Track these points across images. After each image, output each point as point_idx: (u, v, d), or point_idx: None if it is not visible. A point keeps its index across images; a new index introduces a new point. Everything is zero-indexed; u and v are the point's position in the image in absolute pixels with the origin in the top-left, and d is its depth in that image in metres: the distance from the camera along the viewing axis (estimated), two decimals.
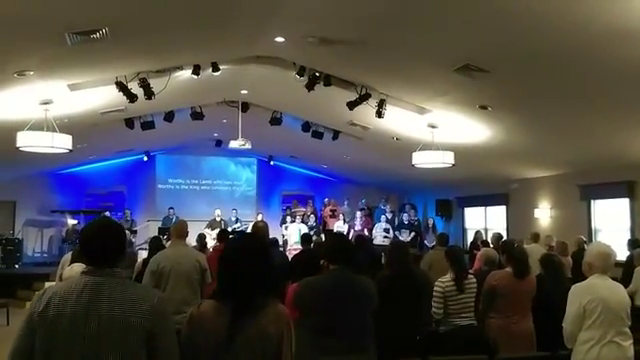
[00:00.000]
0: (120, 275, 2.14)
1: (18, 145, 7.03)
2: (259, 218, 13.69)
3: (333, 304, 3.08)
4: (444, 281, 4.52)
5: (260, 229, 5.14)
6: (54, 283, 6.44)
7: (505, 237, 10.15)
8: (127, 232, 12.38)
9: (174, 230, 5.09)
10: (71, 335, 1.98)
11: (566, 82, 6.18)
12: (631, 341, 3.34)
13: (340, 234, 7.04)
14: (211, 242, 10.96)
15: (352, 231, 13.96)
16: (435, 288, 4.50)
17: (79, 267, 3.55)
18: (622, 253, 7.65)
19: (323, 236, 13.88)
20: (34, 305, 2.05)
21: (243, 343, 2.09)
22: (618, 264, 5.07)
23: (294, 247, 11.94)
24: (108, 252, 2.14)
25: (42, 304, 2.02)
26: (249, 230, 13.38)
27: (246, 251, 2.25)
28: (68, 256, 5.29)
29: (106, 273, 2.09)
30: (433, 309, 4.49)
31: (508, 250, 5.02)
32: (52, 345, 1.98)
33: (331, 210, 14.91)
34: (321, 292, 3.12)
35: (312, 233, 13.27)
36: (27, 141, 7.05)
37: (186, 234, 5.02)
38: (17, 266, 12.30)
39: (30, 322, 2.02)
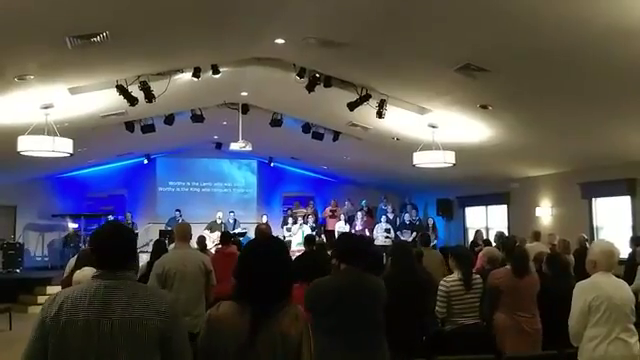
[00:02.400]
0: (132, 278, 2.15)
1: (19, 149, 7.04)
2: (263, 220, 13.71)
3: (346, 304, 3.09)
4: (449, 280, 4.53)
5: (263, 232, 5.13)
6: (56, 287, 6.43)
7: (507, 236, 10.15)
8: None
9: (177, 233, 5.08)
10: (84, 339, 1.97)
11: (566, 81, 6.19)
12: (637, 337, 3.34)
13: (350, 234, 7.06)
14: (210, 244, 10.96)
15: (353, 231, 13.96)
16: (439, 287, 4.51)
17: (90, 270, 3.56)
18: (624, 251, 7.65)
19: (323, 237, 13.91)
20: (46, 310, 2.03)
21: (264, 344, 2.09)
22: (620, 262, 5.06)
23: (297, 249, 11.93)
24: (120, 256, 2.14)
25: (54, 309, 2.02)
26: (252, 232, 13.47)
27: (266, 253, 2.25)
28: (72, 261, 5.28)
29: (118, 276, 2.09)
30: (437, 308, 4.50)
31: (508, 249, 5.03)
32: (65, 349, 1.98)
33: (331, 210, 14.92)
34: (334, 292, 3.13)
35: (314, 234, 13.28)
36: (28, 145, 7.05)
37: (190, 236, 5.02)
38: (18, 271, 12.28)
39: (42, 327, 2.01)
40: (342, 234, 4.46)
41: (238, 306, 2.16)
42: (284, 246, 2.43)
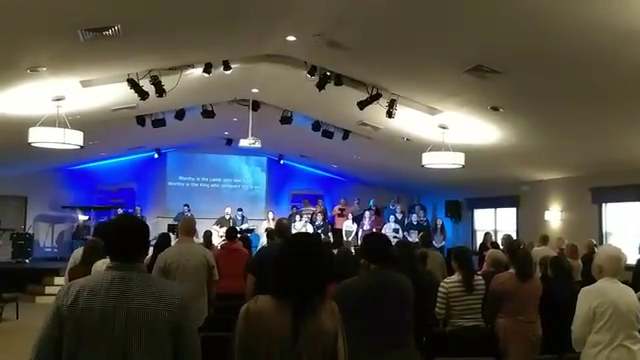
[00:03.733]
0: (144, 270, 2.21)
1: (30, 141, 7.10)
2: (269, 217, 13.73)
3: (376, 303, 3.11)
4: (449, 282, 4.52)
5: (284, 226, 5.20)
6: (63, 278, 6.48)
7: (515, 239, 10.10)
8: None
9: (181, 227, 5.11)
10: (100, 328, 2.02)
11: (579, 84, 6.13)
12: None
13: (379, 234, 7.07)
14: (217, 239, 11.00)
15: (360, 231, 13.96)
16: (439, 289, 4.50)
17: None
18: (633, 257, 7.57)
19: (330, 235, 13.91)
20: (61, 299, 2.07)
21: (305, 340, 2.15)
22: (628, 268, 5.02)
23: None
24: (134, 247, 2.19)
25: (70, 297, 2.06)
26: (260, 228, 13.54)
27: (309, 249, 2.32)
28: (79, 251, 5.31)
29: (132, 268, 2.14)
30: (436, 309, 4.49)
31: (512, 252, 5.00)
32: (81, 337, 2.02)
33: (340, 209, 14.93)
34: (363, 293, 3.15)
35: (320, 232, 13.29)
36: (39, 137, 7.11)
37: (194, 231, 5.04)
38: (27, 261, 12.41)
39: (57, 315, 2.05)
40: (370, 234, 4.55)
41: (278, 302, 2.20)
42: (322, 243, 2.48)
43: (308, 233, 5.03)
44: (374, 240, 3.60)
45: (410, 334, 3.24)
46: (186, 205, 14.18)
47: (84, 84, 7.06)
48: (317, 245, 2.39)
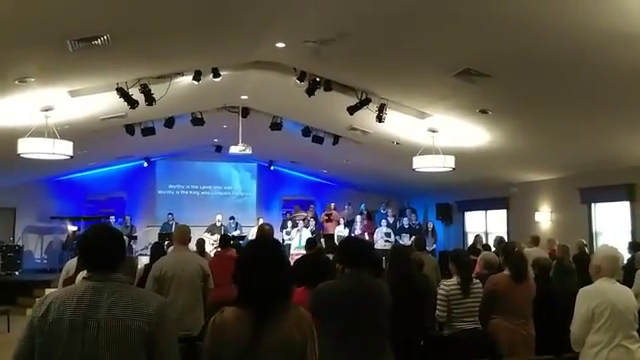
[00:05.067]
0: (121, 280, 2.15)
1: (19, 152, 7.04)
2: (260, 223, 13.68)
3: (351, 308, 3.10)
4: (448, 284, 4.53)
5: (266, 232, 5.14)
6: (55, 290, 6.43)
7: (507, 240, 10.16)
8: (126, 238, 12.44)
9: (176, 236, 5.08)
10: (70, 339, 1.98)
11: (566, 86, 6.20)
12: (639, 344, 3.33)
13: (354, 237, 7.07)
14: (209, 247, 10.96)
15: (352, 235, 13.96)
16: (439, 291, 4.51)
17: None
18: (623, 256, 7.65)
19: (322, 241, 13.90)
20: (35, 310, 2.06)
21: (267, 349, 2.08)
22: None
23: (295, 252, 11.94)
24: (108, 257, 2.14)
25: (42, 309, 2.03)
26: (252, 235, 13.47)
27: (264, 256, 2.24)
28: (73, 262, 5.26)
29: (107, 278, 2.10)
30: (437, 312, 4.50)
31: (507, 254, 5.03)
32: (51, 349, 1.99)
33: (326, 215, 14.88)
34: (338, 296, 3.13)
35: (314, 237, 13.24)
36: (28, 148, 7.05)
37: (188, 240, 5.01)
38: (17, 273, 12.27)
39: (30, 327, 2.03)
40: (346, 238, 4.44)
41: (240, 311, 2.15)
42: (281, 247, 2.43)
43: (266, 238, 4.95)
44: (349, 244, 3.61)
45: (385, 338, 3.23)
46: (170, 214, 14.09)
47: (73, 94, 7.03)
48: (275, 250, 2.31)
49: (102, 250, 2.14)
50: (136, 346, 2.01)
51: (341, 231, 14.20)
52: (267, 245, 2.45)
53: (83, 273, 3.74)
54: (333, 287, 3.23)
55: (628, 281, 6.53)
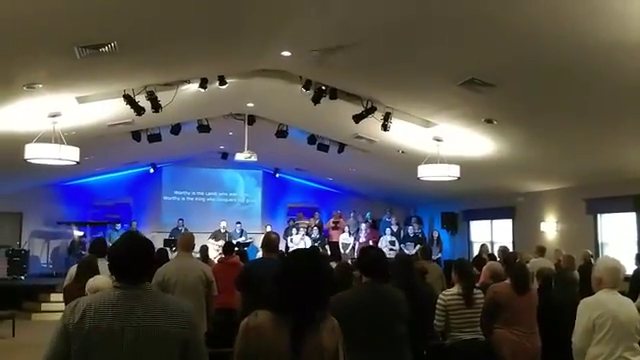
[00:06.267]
0: (150, 288, 2.22)
1: (26, 157, 7.09)
2: (267, 230, 13.71)
3: (368, 317, 3.12)
4: (448, 294, 4.51)
5: (272, 240, 5.14)
6: (59, 295, 6.44)
7: (512, 251, 10.13)
8: None
9: (180, 242, 5.10)
10: (108, 347, 2.03)
11: (572, 96, 6.19)
12: None
13: (374, 247, 7.07)
14: (214, 253, 10.97)
15: (357, 243, 13.95)
16: (438, 301, 4.49)
17: (103, 278, 3.62)
18: (629, 267, 7.59)
19: (327, 249, 13.90)
20: (67, 317, 2.07)
21: (305, 356, 2.12)
22: (625, 278, 5.03)
23: None
24: (138, 266, 2.19)
25: (77, 316, 2.06)
26: (257, 242, 13.48)
27: (307, 264, 2.28)
28: (74, 269, 5.29)
29: (138, 286, 2.15)
30: (434, 322, 4.48)
31: (508, 264, 5.01)
32: (89, 356, 2.02)
33: (334, 222, 14.91)
34: (356, 306, 3.16)
35: (317, 245, 13.26)
36: (35, 153, 7.11)
37: (192, 246, 5.03)
38: (23, 277, 12.32)
39: (65, 333, 2.05)
40: (366, 247, 4.47)
41: (277, 317, 2.17)
42: (322, 259, 2.46)
43: (308, 248, 4.98)
44: (370, 253, 3.62)
45: (406, 347, 3.25)
46: (181, 219, 14.15)
47: (80, 100, 7.08)
48: (317, 259, 2.37)
49: (133, 259, 2.17)
50: (171, 350, 2.07)
51: (346, 239, 14.19)
52: (315, 254, 2.53)
53: (97, 278, 3.78)
54: (350, 297, 3.25)
55: (634, 292, 6.49)
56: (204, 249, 8.54)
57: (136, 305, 2.09)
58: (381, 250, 4.14)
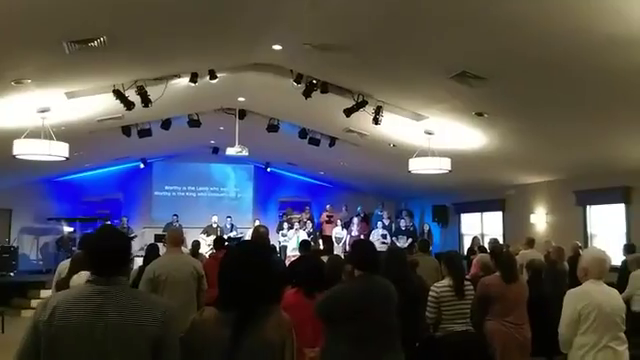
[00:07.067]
0: (125, 283, 2.15)
1: (15, 153, 7.04)
2: (256, 224, 13.71)
3: (363, 310, 3.14)
4: (439, 286, 4.54)
5: (261, 234, 5.14)
6: (50, 291, 6.42)
7: (501, 243, 10.22)
8: None
9: (169, 238, 5.08)
10: (77, 344, 1.97)
11: (562, 89, 6.23)
12: (626, 346, 3.36)
13: (366, 241, 7.12)
14: (205, 248, 10.96)
15: (349, 237, 14.00)
16: (430, 293, 4.52)
17: (87, 275, 3.58)
18: (617, 258, 7.68)
19: (320, 242, 13.94)
20: (38, 314, 2.03)
21: (246, 352, 2.08)
22: (613, 269, 5.09)
23: (292, 254, 11.96)
24: (114, 261, 2.12)
25: (47, 313, 2.01)
26: (248, 236, 13.47)
27: (247, 260, 2.22)
28: (66, 263, 5.27)
29: (112, 281, 2.08)
30: (427, 314, 4.52)
31: (496, 255, 5.06)
32: (58, 353, 1.97)
33: (327, 216, 14.97)
34: (350, 300, 3.18)
35: (310, 239, 13.28)
36: (24, 149, 7.06)
37: (182, 241, 5.02)
38: (12, 274, 12.25)
39: (35, 330, 2.01)
40: (358, 241, 4.45)
41: (221, 313, 2.15)
42: (266, 252, 2.41)
43: (253, 242, 4.93)
44: (363, 247, 3.64)
45: (398, 337, 3.29)
46: (175, 215, 14.08)
47: (69, 95, 7.03)
48: (260, 254, 2.29)
49: (108, 253, 2.11)
50: (144, 349, 2.00)
51: (338, 232, 14.24)
52: (253, 247, 2.45)
53: (81, 274, 3.75)
54: (344, 291, 3.26)
55: (622, 284, 6.57)
56: (195, 244, 8.53)
57: (107, 301, 2.02)
58: (372, 243, 4.16)
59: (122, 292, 2.08)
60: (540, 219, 11.25)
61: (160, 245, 8.39)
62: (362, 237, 13.87)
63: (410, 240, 13.58)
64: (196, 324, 2.16)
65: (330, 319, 3.19)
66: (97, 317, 1.99)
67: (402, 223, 14.04)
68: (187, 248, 8.39)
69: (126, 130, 9.80)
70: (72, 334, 1.97)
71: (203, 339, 2.12)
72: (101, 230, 2.27)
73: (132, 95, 7.34)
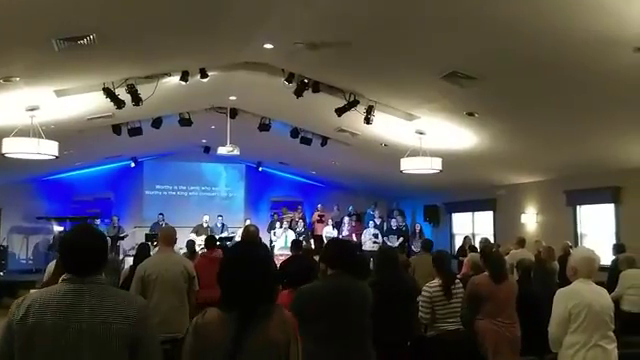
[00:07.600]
0: (102, 282, 2.12)
1: (4, 151, 6.98)
2: (247, 224, 13.67)
3: (334, 309, 3.11)
4: (432, 286, 4.55)
5: (251, 233, 5.11)
6: (34, 291, 6.37)
7: (492, 242, 10.25)
8: (111, 239, 12.33)
9: (161, 237, 5.04)
10: (51, 343, 1.95)
11: (552, 89, 6.26)
12: (615, 344, 3.38)
13: (339, 239, 7.10)
14: (195, 247, 10.90)
15: (340, 237, 13.99)
16: (422, 293, 4.53)
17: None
18: (607, 258, 7.73)
19: (312, 242, 13.93)
20: (13, 312, 2.01)
21: (251, 352, 2.08)
22: (602, 268, 5.12)
23: (280, 253, 11.95)
24: (89, 259, 2.10)
25: (21, 312, 1.99)
26: (239, 236, 13.43)
27: (247, 259, 2.22)
28: (53, 263, 5.23)
29: (87, 280, 2.07)
30: (420, 314, 4.52)
31: (485, 255, 5.08)
32: (32, 353, 1.95)
33: (319, 215, 14.97)
34: (322, 298, 3.15)
35: (301, 239, 13.27)
36: (13, 147, 6.99)
37: (174, 241, 4.98)
38: (2, 273, 12.14)
39: (9, 330, 1.99)
40: (331, 239, 4.42)
41: (223, 314, 2.13)
42: (265, 250, 2.42)
43: (251, 240, 4.92)
44: (336, 245, 3.62)
45: (368, 338, 3.27)
46: (161, 214, 14.00)
47: (59, 93, 6.97)
48: (257, 253, 2.29)
49: (83, 251, 2.09)
50: (118, 348, 1.98)
51: (329, 232, 14.24)
52: (252, 247, 2.44)
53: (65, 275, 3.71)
54: (316, 289, 3.24)
55: (611, 283, 6.61)
56: (191, 244, 8.49)
57: (82, 300, 2.01)
58: (349, 242, 4.14)
59: (97, 290, 2.06)
60: (531, 219, 11.30)
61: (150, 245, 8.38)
62: (354, 236, 13.90)
63: (401, 240, 13.61)
64: (199, 326, 2.14)
65: (298, 316, 3.19)
66: (71, 316, 1.98)
67: (394, 223, 14.06)
68: (180, 248, 8.36)
69: (116, 129, 9.74)
70: (46, 333, 1.96)
71: (207, 340, 2.11)
72: (74, 230, 2.25)
73: (122, 93, 7.29)
